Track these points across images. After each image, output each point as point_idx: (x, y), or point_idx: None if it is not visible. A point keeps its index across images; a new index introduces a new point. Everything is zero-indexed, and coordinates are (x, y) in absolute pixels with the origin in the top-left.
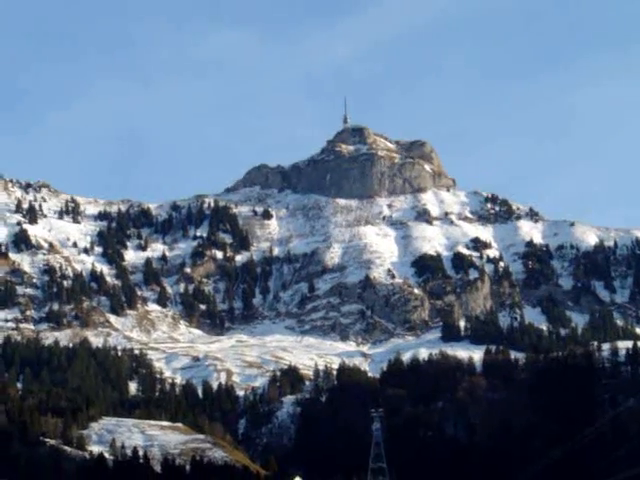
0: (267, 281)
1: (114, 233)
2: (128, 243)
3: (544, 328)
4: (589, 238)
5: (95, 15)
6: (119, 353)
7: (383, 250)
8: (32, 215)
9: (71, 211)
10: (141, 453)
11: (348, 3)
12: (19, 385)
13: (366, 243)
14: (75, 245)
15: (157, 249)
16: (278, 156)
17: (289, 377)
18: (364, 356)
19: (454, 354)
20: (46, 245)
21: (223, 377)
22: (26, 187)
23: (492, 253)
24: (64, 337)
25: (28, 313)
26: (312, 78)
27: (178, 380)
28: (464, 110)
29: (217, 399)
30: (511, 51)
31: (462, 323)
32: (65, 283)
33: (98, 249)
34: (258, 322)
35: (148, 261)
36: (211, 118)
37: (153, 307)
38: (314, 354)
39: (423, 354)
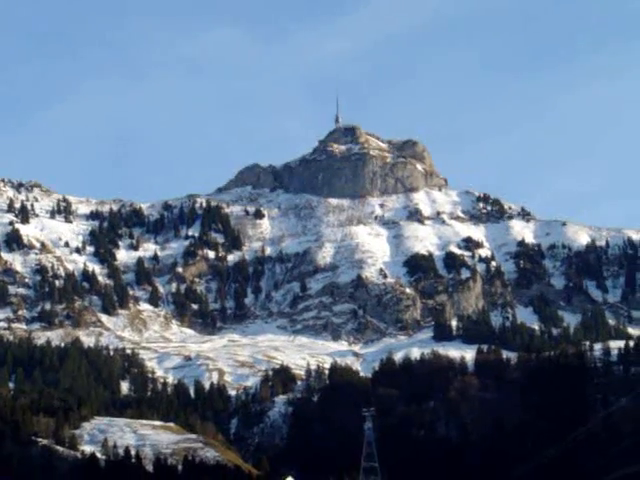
0: (259, 281)
1: (106, 233)
2: (120, 243)
3: (536, 328)
4: (581, 238)
5: (86, 13)
6: (111, 353)
7: (375, 250)
8: (24, 215)
9: (63, 211)
10: (133, 453)
11: (340, 2)
12: (11, 385)
13: (358, 243)
14: (67, 245)
15: (149, 249)
16: (270, 156)
17: (281, 377)
18: (356, 356)
19: (446, 354)
20: (38, 245)
21: (215, 377)
22: (18, 187)
23: (484, 253)
24: (56, 337)
25: (20, 313)
26: (304, 77)
27: (170, 380)
28: (456, 110)
29: (209, 399)
30: (504, 51)
31: (454, 323)
32: (57, 283)
33: (90, 249)
34: (250, 322)
35: (140, 261)
36: (203, 118)
37: (145, 307)
38: (306, 354)
39: (415, 354)
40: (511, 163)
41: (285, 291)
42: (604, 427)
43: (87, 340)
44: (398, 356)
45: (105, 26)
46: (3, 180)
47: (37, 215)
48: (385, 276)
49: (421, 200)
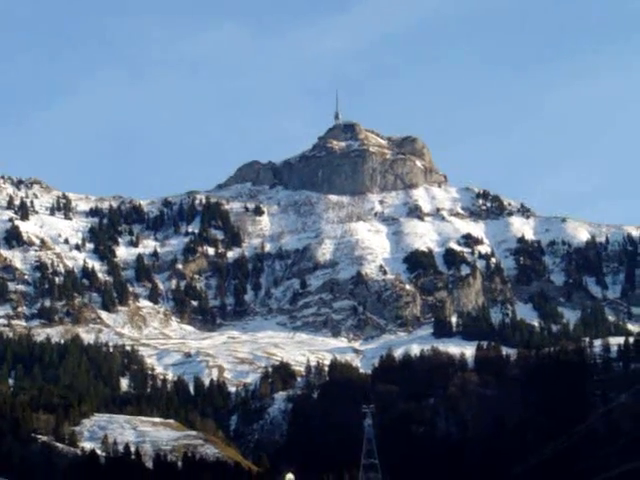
0: (259, 277)
1: (105, 229)
2: (119, 239)
3: (536, 324)
4: (581, 234)
5: (85, 9)
6: (111, 349)
7: (375, 246)
8: (24, 211)
9: (63, 207)
10: (133, 449)
11: (339, 0)
12: (11, 382)
13: (358, 239)
14: (67, 241)
15: (149, 245)
16: (269, 152)
17: (281, 373)
18: (356, 352)
19: (446, 350)
20: (38, 241)
21: (215, 373)
22: (18, 183)
23: (484, 249)
24: (56, 333)
25: (20, 309)
26: (304, 75)
27: (170, 376)
28: (456, 106)
29: (209, 395)
30: (503, 48)
31: (454, 319)
32: (57, 279)
33: (90, 245)
34: (250, 318)
35: (139, 257)
36: (202, 115)
37: (145, 303)
38: (306, 350)
39: (415, 350)
40: (511, 160)
41: (285, 288)
42: (604, 423)
43: (87, 337)
44: (398, 352)
45: (105, 24)
46: (3, 177)
47: (37, 212)
48: (385, 272)
49: (421, 197)
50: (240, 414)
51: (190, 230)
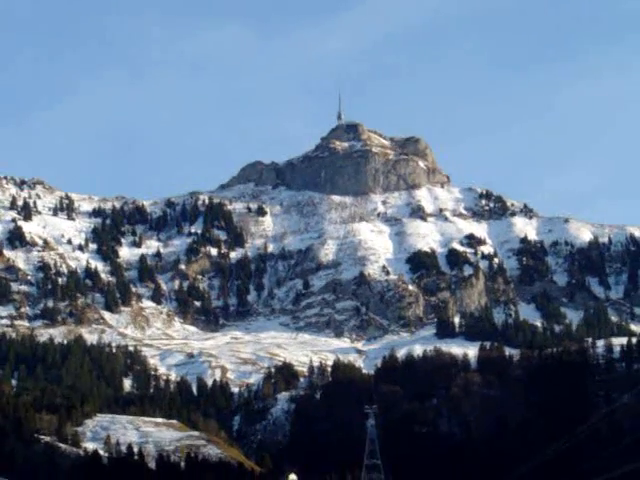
0: (262, 278)
1: (108, 230)
2: (122, 240)
3: (539, 324)
4: (583, 234)
5: (86, 9)
6: (113, 350)
7: (377, 247)
8: (26, 212)
9: (65, 208)
10: (136, 450)
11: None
12: (14, 382)
13: (360, 240)
14: (70, 242)
15: (151, 246)
16: (272, 153)
17: (284, 374)
18: (359, 352)
19: (449, 350)
20: (40, 242)
21: (218, 374)
22: (20, 184)
23: (486, 249)
24: (59, 334)
25: (23, 310)
26: (306, 75)
27: (172, 377)
28: (458, 106)
29: (212, 396)
30: (506, 47)
31: (457, 319)
32: (60, 280)
33: (92, 246)
34: (253, 319)
35: (142, 258)
36: (205, 115)
37: (147, 304)
38: (308, 351)
39: (418, 351)
40: (514, 160)
41: (288, 288)
42: (606, 424)
43: (90, 337)
44: (401, 353)
45: (106, 24)
46: (6, 177)
47: (40, 212)
48: (388, 273)
49: (423, 197)
50: (243, 414)
51: (193, 230)
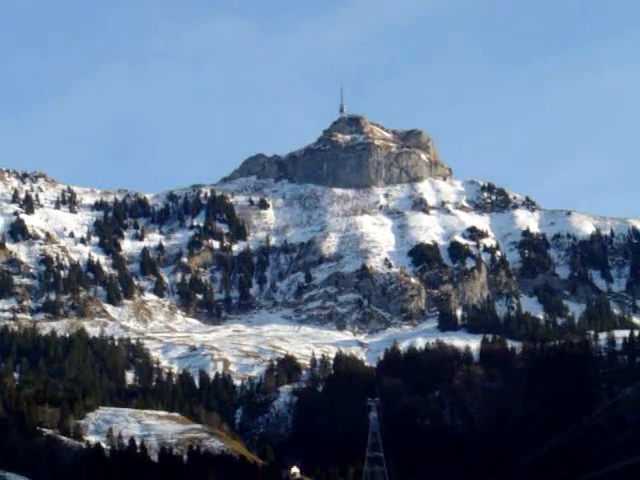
0: (264, 271)
1: (111, 223)
2: (125, 233)
3: (541, 317)
4: (586, 227)
5: (90, 2)
6: (116, 343)
7: (380, 239)
8: (29, 205)
9: (68, 201)
10: (138, 443)
11: None
12: (16, 375)
13: (363, 232)
14: (72, 235)
15: (154, 239)
16: (274, 146)
17: (286, 367)
18: (361, 345)
19: (451, 343)
20: (43, 235)
21: (220, 367)
22: (23, 177)
23: (489, 242)
24: (61, 327)
25: (25, 303)
26: (308, 68)
27: (175, 370)
28: (461, 99)
29: (214, 389)
30: (508, 40)
31: (459, 312)
32: (62, 273)
33: (95, 239)
34: (255, 312)
35: (145, 251)
36: (207, 108)
37: (150, 297)
38: (311, 343)
39: (420, 343)
40: (516, 153)
41: (290, 281)
42: (609, 416)
43: (92, 330)
44: (403, 346)
45: (110, 16)
46: (8, 170)
47: (42, 205)
48: (390, 266)
49: (426, 190)
50: (245, 407)
51: (195, 223)
